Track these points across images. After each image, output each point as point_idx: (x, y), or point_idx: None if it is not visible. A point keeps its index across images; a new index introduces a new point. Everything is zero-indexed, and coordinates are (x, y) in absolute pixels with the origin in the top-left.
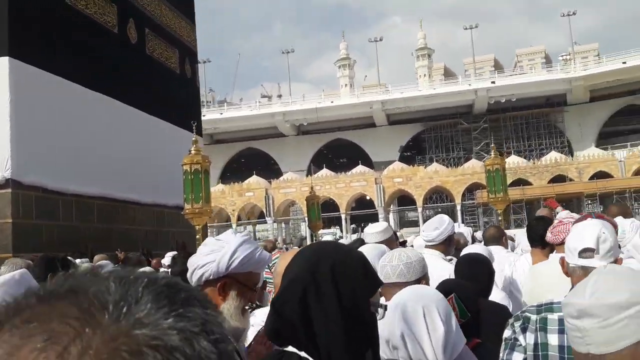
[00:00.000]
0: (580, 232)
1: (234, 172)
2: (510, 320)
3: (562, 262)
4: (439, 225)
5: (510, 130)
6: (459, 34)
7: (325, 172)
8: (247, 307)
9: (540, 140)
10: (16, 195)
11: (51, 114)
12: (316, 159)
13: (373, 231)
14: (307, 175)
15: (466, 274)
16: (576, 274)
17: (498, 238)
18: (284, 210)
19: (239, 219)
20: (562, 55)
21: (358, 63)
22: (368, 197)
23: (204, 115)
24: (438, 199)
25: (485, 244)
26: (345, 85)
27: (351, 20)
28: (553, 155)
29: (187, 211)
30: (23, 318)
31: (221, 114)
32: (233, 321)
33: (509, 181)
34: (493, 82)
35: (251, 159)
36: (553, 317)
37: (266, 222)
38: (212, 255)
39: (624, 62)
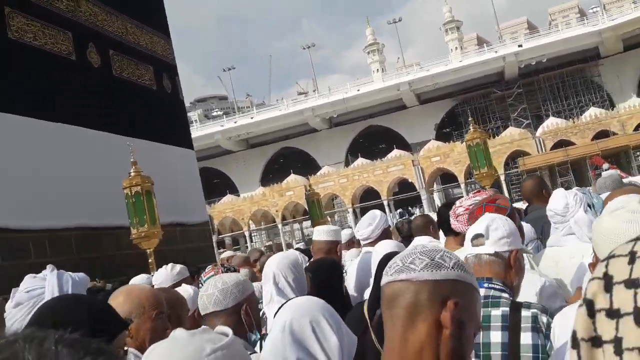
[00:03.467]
0: (475, 223)
1: (275, 172)
2: None
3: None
4: (371, 221)
5: (547, 92)
6: (488, 1)
7: (361, 160)
8: None
9: (578, 97)
10: None
11: (5, 155)
12: (352, 149)
13: (329, 229)
14: (345, 167)
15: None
16: (471, 264)
17: (424, 228)
18: (326, 204)
19: (283, 218)
20: (592, 8)
21: (393, 45)
22: (410, 180)
23: (235, 122)
24: None
25: (414, 235)
26: (377, 70)
27: (375, 4)
28: (593, 111)
29: (134, 236)
30: None
31: (252, 118)
32: None
33: (550, 144)
34: (520, 46)
35: (289, 158)
36: None
37: (309, 219)
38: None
39: None
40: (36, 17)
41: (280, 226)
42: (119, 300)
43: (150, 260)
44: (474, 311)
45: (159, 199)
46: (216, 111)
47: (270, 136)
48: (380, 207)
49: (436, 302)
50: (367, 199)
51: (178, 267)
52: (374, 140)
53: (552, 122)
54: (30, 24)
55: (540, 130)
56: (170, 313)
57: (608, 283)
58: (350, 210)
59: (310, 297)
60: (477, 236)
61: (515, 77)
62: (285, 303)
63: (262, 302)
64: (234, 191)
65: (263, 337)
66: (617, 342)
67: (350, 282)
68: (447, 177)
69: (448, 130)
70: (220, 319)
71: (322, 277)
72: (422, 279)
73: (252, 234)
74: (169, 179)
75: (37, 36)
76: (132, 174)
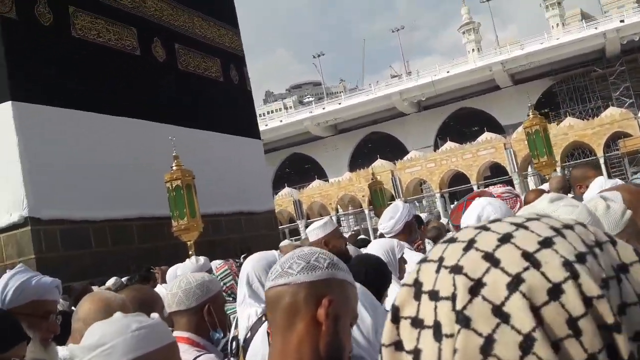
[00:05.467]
0: (465, 215)
1: (364, 157)
2: None
3: None
4: (393, 214)
5: None
6: None
7: (450, 144)
8: (49, 338)
9: None
10: (36, 231)
11: (69, 148)
12: (442, 132)
13: (312, 228)
14: (434, 151)
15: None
16: None
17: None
18: (414, 189)
19: (370, 204)
20: None
21: (491, 23)
22: (502, 164)
23: (323, 108)
24: (581, 154)
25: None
26: (473, 50)
27: None
28: None
29: (174, 228)
30: None
31: (339, 103)
32: (37, 355)
33: None
34: (622, 21)
35: (377, 143)
36: None
37: None
38: None
39: None
40: (100, 14)
41: (367, 211)
42: (85, 308)
43: (190, 252)
44: (350, 305)
45: (225, 189)
46: (308, 97)
47: (359, 121)
48: (470, 192)
49: (312, 301)
50: (457, 183)
51: (202, 259)
52: (465, 123)
53: None
54: (94, 21)
55: None
56: (141, 312)
57: (418, 291)
58: (438, 195)
59: None
60: None
61: (617, 54)
62: None
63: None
64: (324, 176)
65: (233, 339)
66: (416, 354)
67: None
68: None
69: (545, 111)
70: (183, 317)
71: None
72: (299, 281)
73: (340, 219)
74: (235, 169)
75: (101, 33)
76: (174, 167)
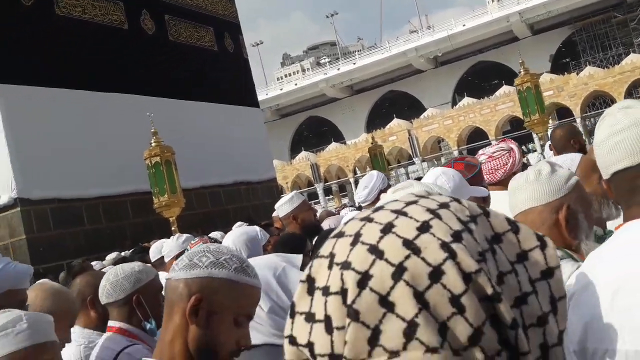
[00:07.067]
0: (416, 185)
1: (382, 117)
2: None
3: None
4: (367, 184)
5: None
6: None
7: (467, 100)
8: None
9: None
10: (26, 212)
11: (58, 127)
12: (460, 88)
13: (280, 204)
14: (452, 107)
15: None
16: None
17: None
18: (432, 147)
19: (388, 163)
20: None
21: None
22: (521, 117)
23: (338, 69)
24: (602, 104)
25: None
26: (492, 0)
27: None
28: None
29: (155, 205)
30: None
31: (354, 64)
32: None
33: None
34: None
35: (394, 102)
36: None
37: (414, 163)
38: None
39: None
40: None
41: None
42: (32, 295)
43: (173, 228)
44: (232, 302)
45: (223, 159)
46: (324, 59)
47: (375, 81)
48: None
49: (186, 297)
50: (476, 139)
51: (184, 236)
52: (483, 77)
53: None
54: None
55: None
56: (96, 297)
57: (311, 287)
58: (457, 152)
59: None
60: None
61: None
62: None
63: None
64: (341, 139)
65: None
66: (310, 346)
67: None
68: (562, 112)
69: (566, 60)
70: (115, 309)
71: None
72: (178, 277)
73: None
74: (233, 139)
75: (87, 9)
76: (153, 144)
